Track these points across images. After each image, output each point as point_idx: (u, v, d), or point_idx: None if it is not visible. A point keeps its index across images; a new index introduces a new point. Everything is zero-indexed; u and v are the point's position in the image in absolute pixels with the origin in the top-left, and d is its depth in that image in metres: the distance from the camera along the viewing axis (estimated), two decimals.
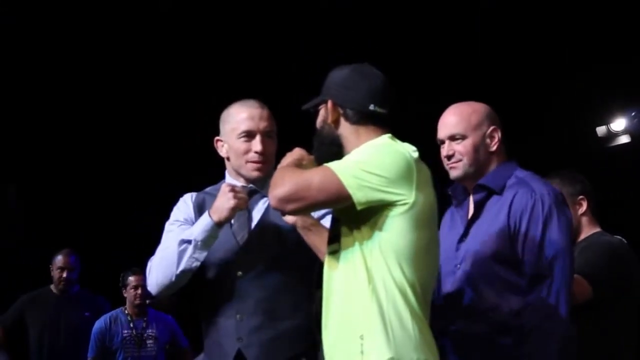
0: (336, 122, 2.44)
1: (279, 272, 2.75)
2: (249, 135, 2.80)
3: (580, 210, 3.34)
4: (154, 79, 6.75)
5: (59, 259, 5.88)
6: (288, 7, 6.20)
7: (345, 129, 2.43)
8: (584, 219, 3.34)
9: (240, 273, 2.75)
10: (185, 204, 2.90)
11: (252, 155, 2.80)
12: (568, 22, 6.30)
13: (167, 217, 2.90)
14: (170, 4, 6.20)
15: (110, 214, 7.50)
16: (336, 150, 2.42)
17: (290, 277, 2.76)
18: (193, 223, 2.79)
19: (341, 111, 2.44)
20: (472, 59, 6.58)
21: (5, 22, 6.17)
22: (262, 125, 2.81)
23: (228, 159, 2.87)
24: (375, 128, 2.42)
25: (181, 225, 2.82)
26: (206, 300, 2.84)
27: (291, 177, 2.31)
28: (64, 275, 5.85)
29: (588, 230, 3.34)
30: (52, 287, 5.94)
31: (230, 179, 2.89)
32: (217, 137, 2.89)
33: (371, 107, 2.41)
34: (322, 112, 2.48)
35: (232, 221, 2.79)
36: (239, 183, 2.85)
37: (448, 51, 6.56)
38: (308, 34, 6.38)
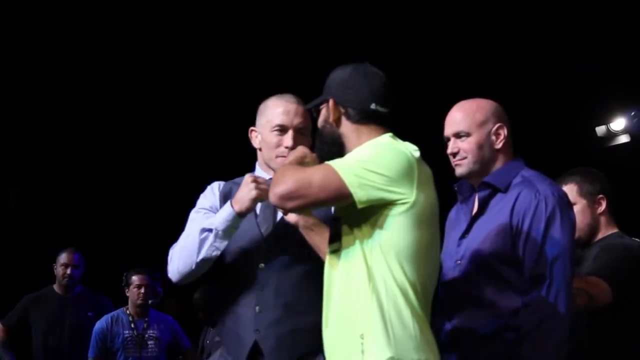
0: (337, 121, 2.45)
1: (301, 266, 2.76)
2: (282, 129, 2.82)
3: (599, 209, 3.30)
4: (154, 80, 6.76)
5: (63, 256, 5.90)
6: (288, 6, 6.20)
7: (347, 128, 2.44)
8: (602, 219, 3.30)
9: (262, 265, 2.77)
10: (212, 192, 2.92)
11: (282, 150, 2.81)
12: (568, 23, 6.30)
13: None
14: (170, 4, 6.20)
15: (110, 214, 7.50)
16: (337, 150, 2.44)
17: (311, 272, 2.75)
18: (217, 212, 2.80)
19: (342, 110, 2.45)
20: (473, 59, 6.59)
21: (6, 23, 6.18)
22: (296, 121, 2.82)
23: (260, 149, 2.89)
24: (377, 127, 2.43)
25: (205, 213, 2.84)
26: (227, 289, 2.85)
27: (292, 175, 2.31)
28: (68, 271, 5.86)
29: (605, 230, 3.30)
30: (55, 286, 5.95)
31: (260, 170, 2.91)
32: (251, 128, 2.91)
33: (372, 106, 2.42)
34: (323, 112, 2.49)
35: (258, 212, 2.81)
36: (268, 175, 2.84)
37: (449, 51, 6.56)
38: (308, 34, 6.39)
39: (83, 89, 6.92)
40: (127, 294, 5.90)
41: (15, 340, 5.88)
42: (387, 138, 2.39)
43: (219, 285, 2.91)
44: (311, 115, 2.69)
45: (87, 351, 5.72)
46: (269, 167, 2.86)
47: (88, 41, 6.49)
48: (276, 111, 2.84)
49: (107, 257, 6.77)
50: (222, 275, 2.85)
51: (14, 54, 6.48)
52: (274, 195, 2.31)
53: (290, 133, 2.81)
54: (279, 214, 2.82)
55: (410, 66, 6.23)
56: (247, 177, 2.73)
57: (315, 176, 2.29)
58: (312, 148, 2.56)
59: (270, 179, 2.80)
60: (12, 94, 6.84)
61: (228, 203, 2.73)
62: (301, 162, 2.46)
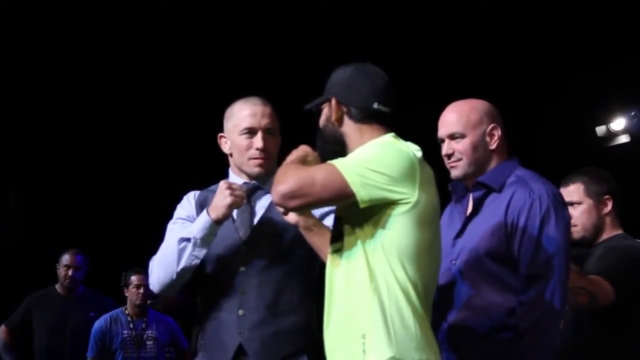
0: (340, 121, 2.45)
1: (281, 267, 2.77)
2: (251, 132, 2.82)
3: (604, 210, 3.30)
4: (155, 79, 6.76)
5: (66, 258, 5.91)
6: (290, 6, 6.21)
7: (349, 128, 2.44)
8: (608, 219, 3.30)
9: (243, 268, 2.77)
10: (188, 202, 2.92)
11: (253, 152, 2.82)
12: (568, 22, 6.30)
13: (171, 216, 2.91)
14: (170, 4, 6.21)
15: (111, 214, 7.50)
16: (339, 149, 2.43)
17: (292, 273, 2.78)
18: (194, 221, 2.80)
19: (345, 109, 2.44)
20: (473, 59, 6.59)
21: (5, 23, 6.18)
22: (264, 122, 2.83)
23: (231, 155, 2.90)
24: (379, 127, 2.42)
25: (183, 223, 2.85)
26: (208, 296, 2.85)
27: (295, 174, 2.31)
28: (70, 273, 5.89)
29: (610, 231, 3.30)
30: (58, 287, 5.97)
31: (233, 175, 2.92)
32: (220, 134, 2.92)
33: (375, 105, 2.41)
34: (325, 111, 2.48)
35: (235, 217, 2.82)
36: (242, 180, 2.87)
37: (449, 51, 6.56)
38: (309, 33, 6.39)
39: (83, 89, 6.92)
40: (126, 294, 5.90)
41: (17, 341, 5.89)
42: (389, 138, 2.39)
43: (200, 293, 2.91)
44: (307, 115, 2.69)
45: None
46: (242, 171, 2.87)
47: (88, 42, 6.49)
48: (243, 114, 2.84)
49: (107, 257, 6.77)
50: (203, 282, 2.86)
51: (13, 54, 6.48)
52: (276, 194, 2.31)
53: (259, 134, 2.82)
54: (257, 217, 2.84)
55: (409, 66, 6.23)
56: (222, 184, 2.74)
57: (318, 175, 2.29)
58: (313, 147, 2.55)
59: (245, 183, 2.83)
60: (12, 95, 6.83)
61: (205, 211, 2.74)
62: (303, 161, 2.46)
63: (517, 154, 2.89)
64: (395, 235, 2.29)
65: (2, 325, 5.91)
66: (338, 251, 2.39)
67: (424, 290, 2.31)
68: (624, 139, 7.05)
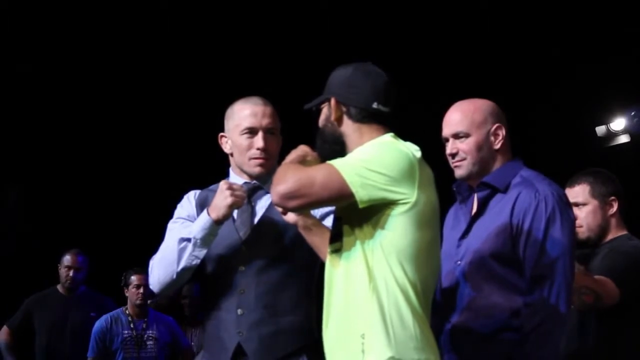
0: (339, 120, 2.45)
1: (281, 267, 2.78)
2: (252, 131, 2.83)
3: (610, 211, 3.31)
4: (155, 79, 6.76)
5: (67, 258, 5.92)
6: (290, 5, 6.21)
7: (348, 127, 2.44)
8: (613, 220, 3.31)
9: (242, 268, 2.78)
10: (189, 201, 2.93)
11: (254, 152, 2.83)
12: (568, 21, 6.31)
13: (171, 215, 2.92)
14: (171, 3, 6.21)
15: (111, 214, 7.50)
16: (339, 149, 2.43)
17: (292, 273, 2.78)
18: (195, 220, 2.81)
19: (344, 109, 2.44)
20: (473, 58, 6.59)
21: (5, 23, 6.18)
22: (265, 122, 2.83)
23: (232, 155, 2.90)
24: (378, 127, 2.42)
25: (183, 222, 2.85)
26: (208, 295, 2.86)
27: (294, 174, 2.31)
28: (71, 274, 5.90)
29: (615, 232, 3.31)
30: (59, 287, 5.98)
31: (234, 175, 2.92)
32: (221, 134, 2.92)
33: (374, 105, 2.41)
34: (325, 110, 2.48)
35: (235, 217, 2.82)
36: (242, 179, 2.87)
37: (449, 50, 6.57)
38: (310, 33, 6.39)
39: (83, 88, 6.92)
40: (126, 294, 5.90)
41: (19, 342, 5.91)
42: (388, 138, 2.39)
43: (201, 292, 2.92)
44: (309, 114, 2.69)
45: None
46: (242, 171, 2.88)
47: (89, 41, 6.49)
48: (244, 114, 2.85)
49: (107, 257, 6.77)
50: (204, 282, 2.87)
51: (13, 53, 6.48)
52: (275, 194, 2.31)
53: (260, 134, 2.82)
54: (257, 217, 2.84)
55: (409, 65, 6.23)
56: (222, 184, 2.74)
57: (318, 175, 2.29)
58: (313, 147, 2.55)
59: (245, 183, 2.83)
60: (12, 94, 6.83)
61: (205, 211, 2.74)
62: (302, 161, 2.46)
63: (517, 154, 2.89)
64: (395, 236, 2.29)
65: (4, 326, 5.92)
66: (337, 251, 2.39)
67: (423, 290, 2.31)
68: (624, 139, 7.04)
